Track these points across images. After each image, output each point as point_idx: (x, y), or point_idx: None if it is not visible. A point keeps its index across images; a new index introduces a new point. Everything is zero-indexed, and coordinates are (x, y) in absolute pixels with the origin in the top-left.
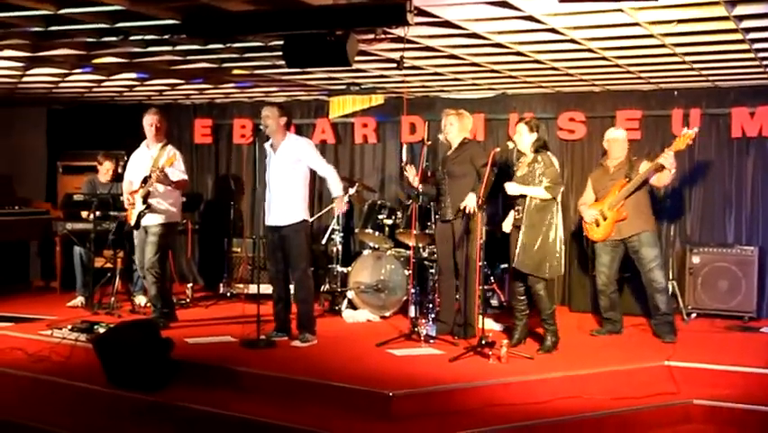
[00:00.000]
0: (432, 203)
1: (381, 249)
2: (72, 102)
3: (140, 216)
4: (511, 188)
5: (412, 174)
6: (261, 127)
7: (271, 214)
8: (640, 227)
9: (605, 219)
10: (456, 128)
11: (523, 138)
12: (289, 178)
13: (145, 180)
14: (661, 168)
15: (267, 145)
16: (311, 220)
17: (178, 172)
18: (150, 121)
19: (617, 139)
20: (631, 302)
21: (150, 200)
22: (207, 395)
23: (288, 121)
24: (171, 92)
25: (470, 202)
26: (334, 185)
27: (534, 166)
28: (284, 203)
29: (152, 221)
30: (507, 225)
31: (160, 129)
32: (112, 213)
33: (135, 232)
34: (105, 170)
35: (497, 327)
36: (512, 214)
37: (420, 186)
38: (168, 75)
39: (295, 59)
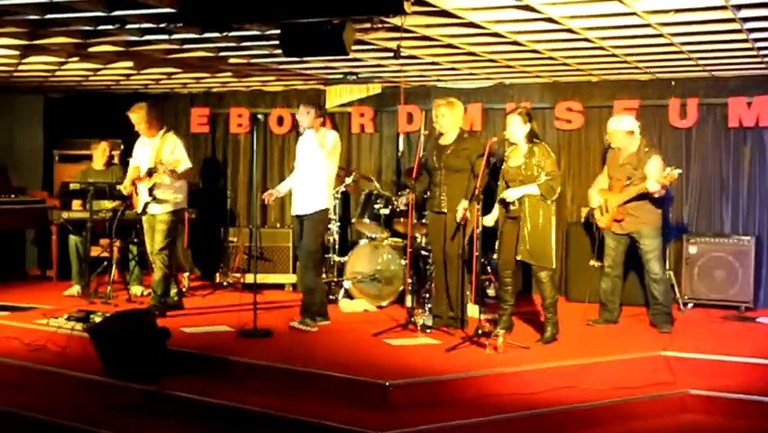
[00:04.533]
0: (426, 193)
1: (378, 239)
2: (69, 90)
3: (146, 205)
4: (512, 193)
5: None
6: (259, 116)
7: (295, 203)
8: (641, 223)
9: (607, 211)
10: (449, 119)
11: (516, 129)
12: (309, 168)
13: (150, 172)
14: (646, 192)
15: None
16: (329, 207)
17: (182, 163)
18: (134, 120)
19: (614, 132)
20: (632, 292)
21: (155, 192)
22: (204, 385)
23: (323, 119)
24: (168, 81)
25: (461, 212)
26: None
27: (532, 158)
28: (304, 193)
29: (160, 209)
30: (489, 220)
31: (151, 122)
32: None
33: (144, 218)
34: (102, 150)
35: (483, 317)
36: (496, 209)
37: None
38: (164, 64)
39: (292, 47)
